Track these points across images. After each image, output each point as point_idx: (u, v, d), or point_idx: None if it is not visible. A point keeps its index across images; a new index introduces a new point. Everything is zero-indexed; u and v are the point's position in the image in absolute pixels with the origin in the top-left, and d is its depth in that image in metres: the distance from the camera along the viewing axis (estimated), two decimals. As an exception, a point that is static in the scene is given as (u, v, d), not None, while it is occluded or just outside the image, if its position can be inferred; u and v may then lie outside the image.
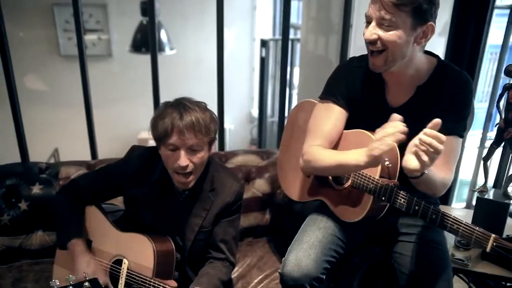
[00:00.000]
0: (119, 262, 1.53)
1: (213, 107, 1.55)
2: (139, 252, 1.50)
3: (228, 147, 5.53)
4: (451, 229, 1.27)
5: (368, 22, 1.35)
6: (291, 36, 4.70)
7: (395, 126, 1.23)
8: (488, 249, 1.20)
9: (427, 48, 1.45)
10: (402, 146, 1.25)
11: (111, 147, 2.92)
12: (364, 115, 1.50)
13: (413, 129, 1.23)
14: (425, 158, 1.17)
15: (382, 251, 1.63)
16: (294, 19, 4.59)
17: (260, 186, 2.09)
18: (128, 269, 1.50)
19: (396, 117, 1.26)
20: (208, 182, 1.57)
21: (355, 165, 1.33)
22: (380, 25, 1.31)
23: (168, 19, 4.18)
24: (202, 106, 1.47)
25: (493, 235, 1.19)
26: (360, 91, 1.51)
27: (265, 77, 4.26)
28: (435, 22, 1.34)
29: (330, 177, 1.57)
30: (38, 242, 1.90)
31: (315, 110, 1.57)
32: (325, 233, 1.52)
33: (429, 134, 1.17)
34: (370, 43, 1.35)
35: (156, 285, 1.44)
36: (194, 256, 1.59)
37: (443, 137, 1.17)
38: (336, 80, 1.55)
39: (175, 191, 1.56)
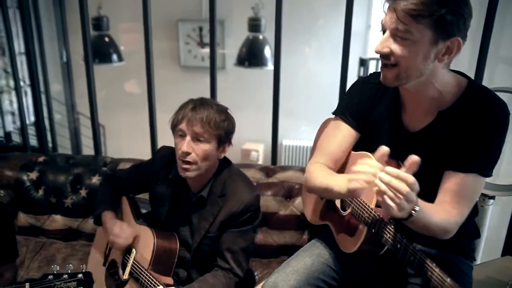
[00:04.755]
0: (130, 252, 1.63)
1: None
2: (144, 243, 1.59)
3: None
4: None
5: (383, 31, 1.17)
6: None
7: (375, 166, 1.04)
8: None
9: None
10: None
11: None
12: (378, 136, 1.34)
13: (431, 160, 1.09)
14: (388, 201, 0.98)
15: (388, 291, 1.45)
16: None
17: (299, 204, 2.01)
18: (134, 258, 1.60)
19: (382, 150, 1.05)
20: (219, 186, 1.57)
21: (338, 191, 1.19)
22: (394, 36, 1.12)
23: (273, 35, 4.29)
24: (221, 108, 1.53)
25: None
26: (374, 109, 1.36)
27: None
28: (464, 37, 1.12)
29: (337, 202, 1.46)
30: (91, 227, 2.13)
31: (327, 126, 1.48)
32: (316, 260, 1.41)
33: (390, 172, 0.98)
34: (382, 56, 1.17)
35: (148, 277, 1.51)
36: (199, 258, 1.61)
37: (410, 178, 0.97)
38: (349, 97, 1.43)
39: (189, 192, 1.61)
